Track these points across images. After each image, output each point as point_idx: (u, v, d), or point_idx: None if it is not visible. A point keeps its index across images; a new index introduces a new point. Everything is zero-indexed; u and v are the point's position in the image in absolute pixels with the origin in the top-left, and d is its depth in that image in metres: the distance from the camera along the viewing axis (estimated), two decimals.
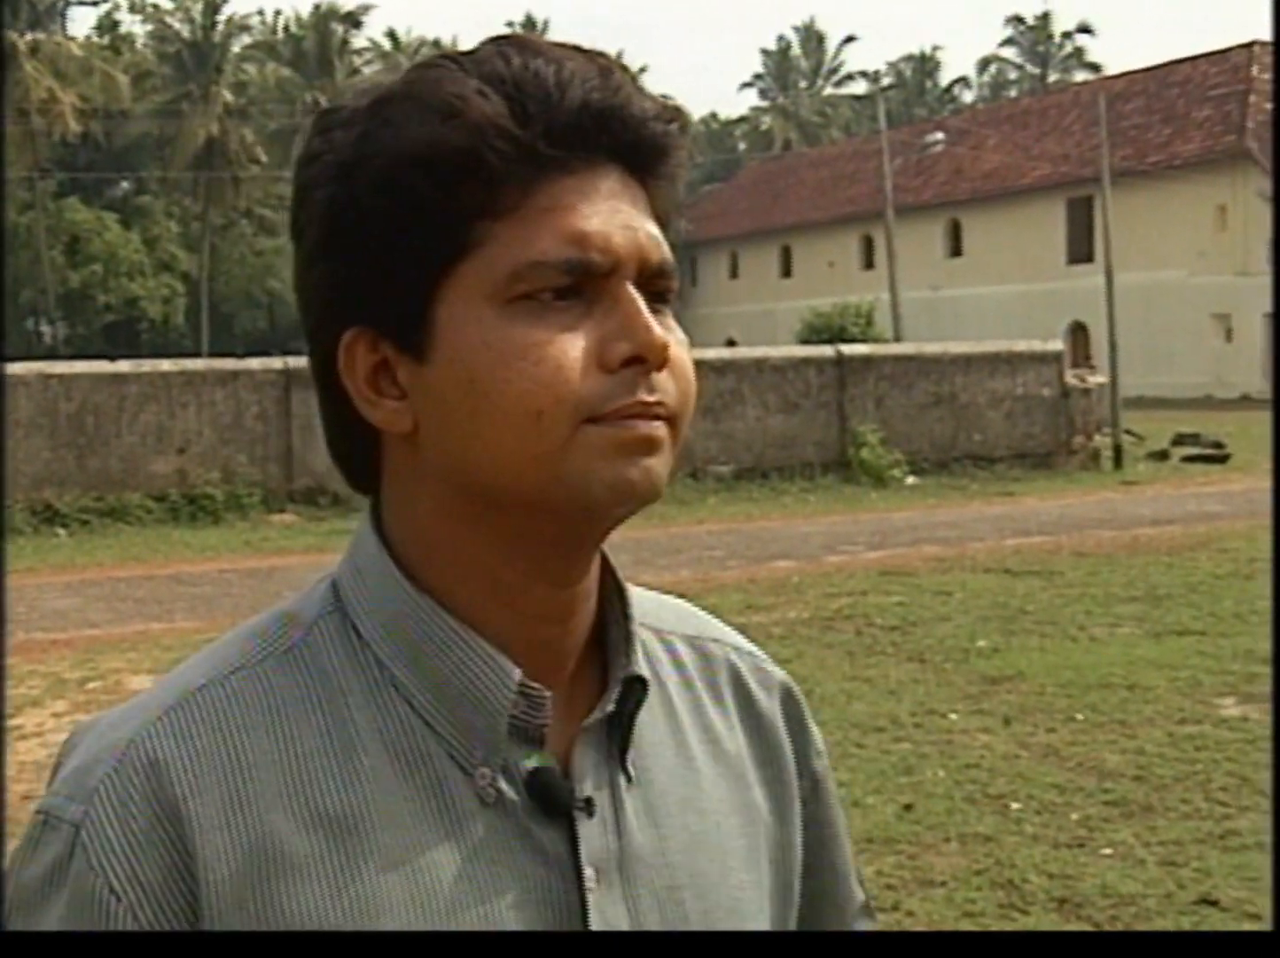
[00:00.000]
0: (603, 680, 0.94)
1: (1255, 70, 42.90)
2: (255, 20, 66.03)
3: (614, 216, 0.86)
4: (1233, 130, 41.86)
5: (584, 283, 0.85)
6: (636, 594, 0.99)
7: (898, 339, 28.26)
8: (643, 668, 0.94)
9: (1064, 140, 47.26)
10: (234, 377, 17.52)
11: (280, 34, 66.25)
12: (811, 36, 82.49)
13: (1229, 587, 10.83)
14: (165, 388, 17.09)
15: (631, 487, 0.85)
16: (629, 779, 0.94)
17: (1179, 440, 23.59)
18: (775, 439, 19.54)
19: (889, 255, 32.29)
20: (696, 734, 1.00)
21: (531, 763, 0.89)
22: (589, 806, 0.90)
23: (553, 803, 0.89)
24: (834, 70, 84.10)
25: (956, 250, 51.50)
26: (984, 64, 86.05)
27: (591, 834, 0.90)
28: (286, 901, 0.84)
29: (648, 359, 0.85)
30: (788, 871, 1.03)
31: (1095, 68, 73.93)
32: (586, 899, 0.89)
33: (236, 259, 59.74)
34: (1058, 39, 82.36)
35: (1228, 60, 44.52)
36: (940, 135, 45.77)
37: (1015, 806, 6.07)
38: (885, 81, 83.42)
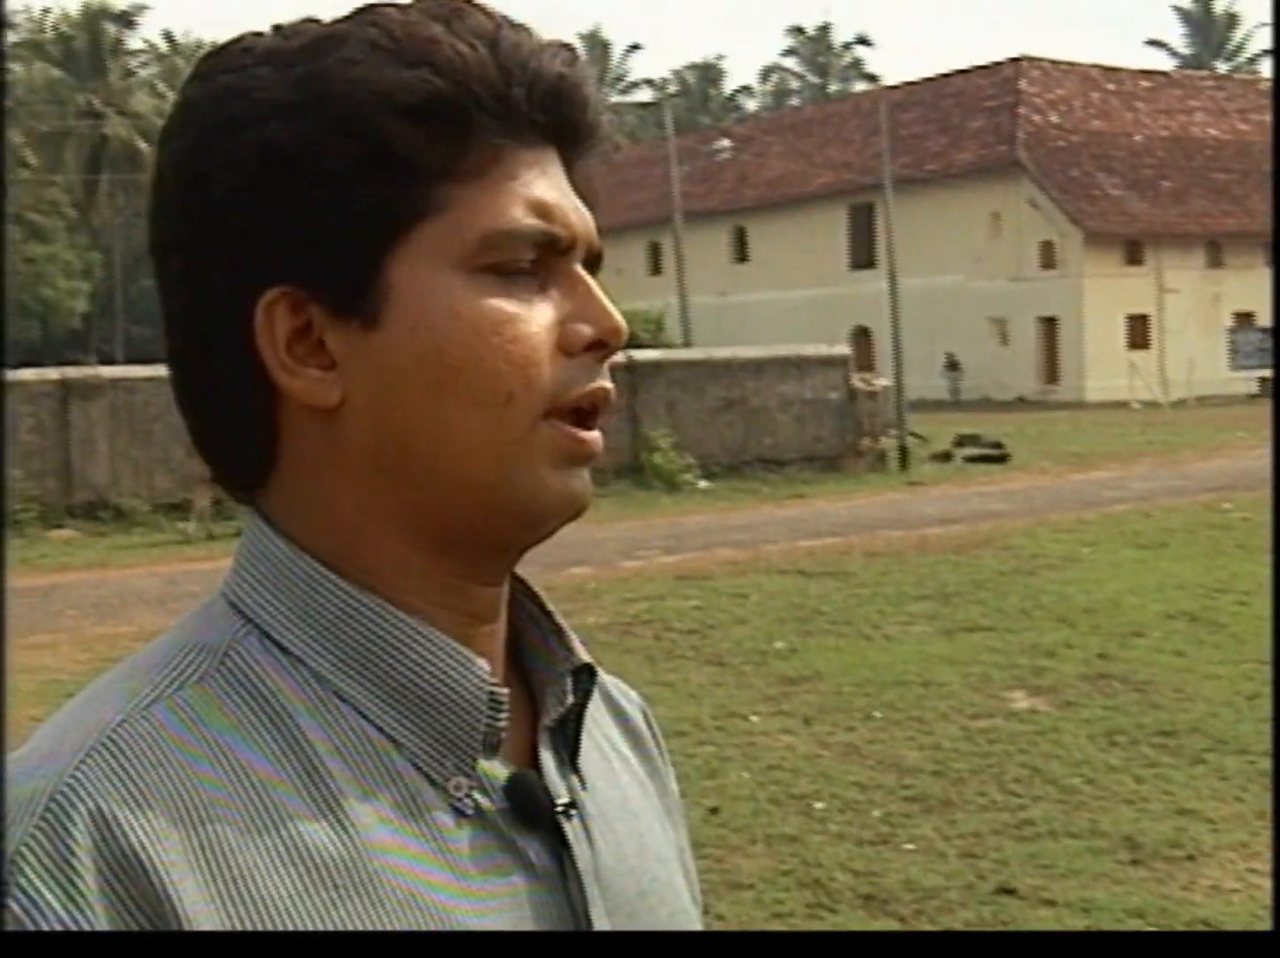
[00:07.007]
0: (523, 682, 0.87)
1: (1024, 84, 44.50)
2: (21, 18, 63.79)
3: (566, 197, 0.83)
4: (1004, 141, 43.32)
5: (541, 260, 0.81)
6: None
7: (688, 345, 28.54)
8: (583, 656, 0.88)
9: (845, 149, 48.32)
10: (7, 388, 16.87)
11: (49, 32, 64.08)
12: (596, 44, 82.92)
13: (1013, 583, 11.17)
14: None
15: (575, 500, 0.82)
16: (583, 784, 0.87)
17: (960, 442, 24.23)
18: None
19: (677, 261, 32.59)
20: (599, 740, 0.94)
21: (507, 769, 0.82)
22: (568, 812, 0.83)
23: (534, 812, 0.82)
24: (619, 78, 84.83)
25: (743, 257, 52.26)
26: (766, 73, 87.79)
27: (578, 843, 0.83)
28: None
29: (609, 344, 0.82)
30: (689, 871, 0.98)
31: (873, 78, 75.54)
32: (590, 913, 0.81)
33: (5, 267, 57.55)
34: (838, 49, 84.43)
35: (998, 74, 46.05)
36: (726, 143, 46.34)
37: (819, 805, 6.15)
38: (670, 89, 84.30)
